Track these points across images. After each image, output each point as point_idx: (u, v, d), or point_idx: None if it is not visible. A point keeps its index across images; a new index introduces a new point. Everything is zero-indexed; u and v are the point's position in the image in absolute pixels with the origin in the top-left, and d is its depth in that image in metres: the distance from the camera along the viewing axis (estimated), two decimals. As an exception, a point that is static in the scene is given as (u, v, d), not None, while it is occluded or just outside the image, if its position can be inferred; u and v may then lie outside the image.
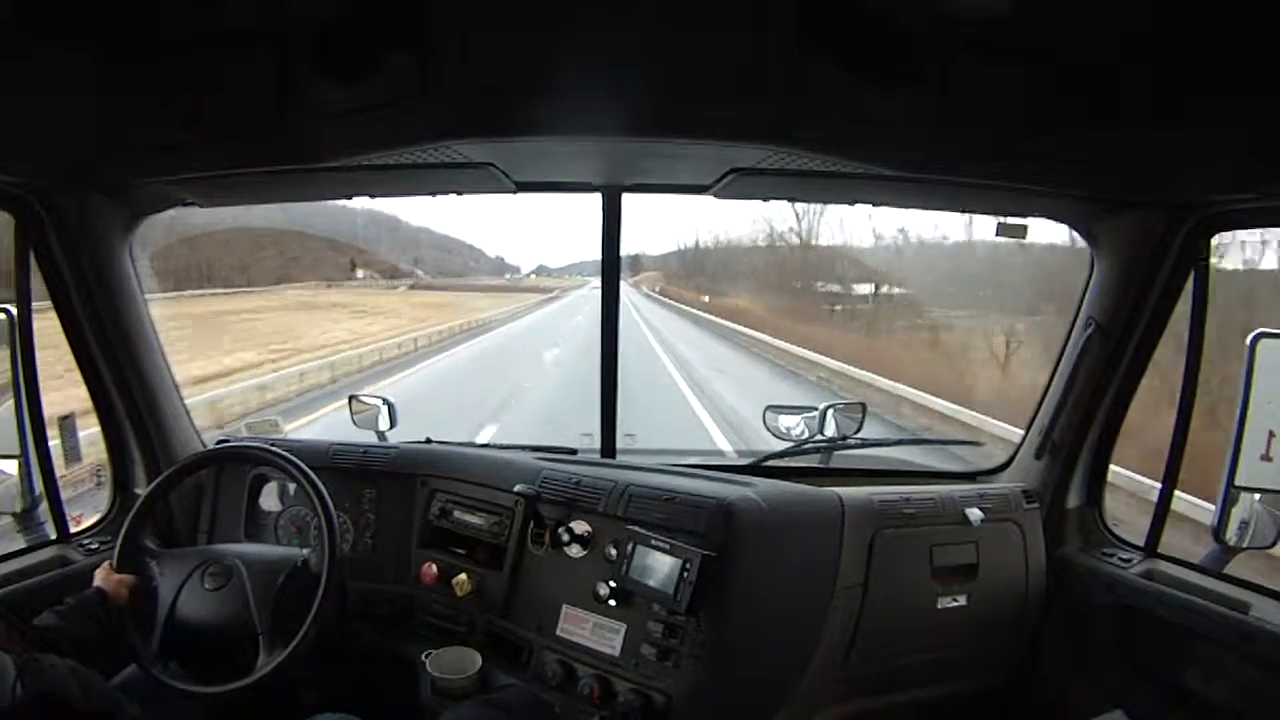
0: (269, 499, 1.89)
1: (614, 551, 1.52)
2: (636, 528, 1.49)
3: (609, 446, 1.97)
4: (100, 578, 1.46)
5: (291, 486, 1.85)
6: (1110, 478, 1.86)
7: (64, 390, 1.84)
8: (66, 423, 1.85)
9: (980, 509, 1.73)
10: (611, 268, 1.93)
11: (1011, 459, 1.95)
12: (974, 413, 6.77)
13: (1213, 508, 1.60)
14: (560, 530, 1.59)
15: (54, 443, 1.71)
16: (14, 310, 1.59)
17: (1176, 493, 1.65)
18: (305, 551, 1.56)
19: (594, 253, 1.94)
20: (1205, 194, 1.44)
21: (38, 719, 1.08)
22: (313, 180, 1.61)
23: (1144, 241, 1.58)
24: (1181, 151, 1.32)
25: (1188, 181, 1.38)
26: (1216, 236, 1.53)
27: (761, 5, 1.19)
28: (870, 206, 1.81)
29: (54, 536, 1.73)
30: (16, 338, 1.60)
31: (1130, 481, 3.22)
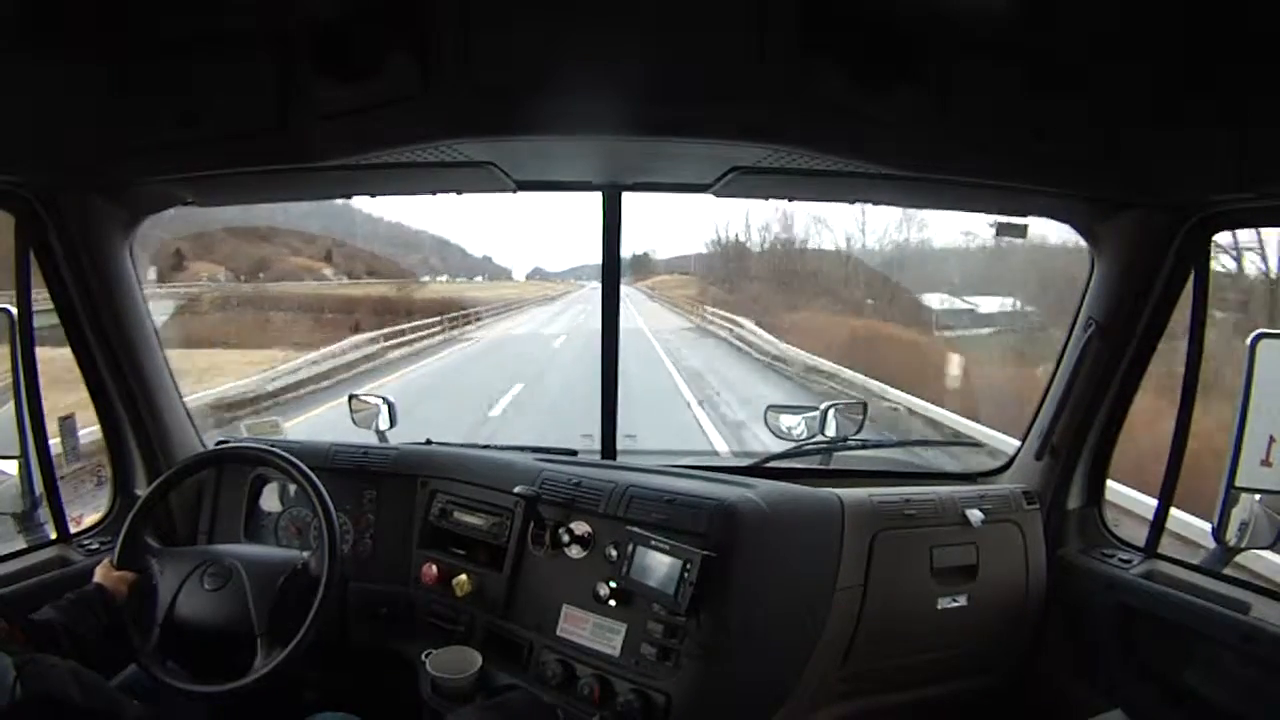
0: (269, 500, 1.89)
1: (614, 552, 1.52)
2: (637, 528, 1.49)
3: (609, 448, 1.97)
4: (100, 574, 1.47)
5: (292, 487, 1.85)
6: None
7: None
8: (66, 423, 1.85)
9: (980, 510, 1.73)
10: (612, 268, 1.93)
11: (1012, 460, 1.95)
12: None
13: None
14: (560, 531, 1.59)
15: (54, 440, 1.71)
16: (14, 310, 1.60)
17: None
18: (305, 555, 1.56)
19: (595, 256, 1.92)
20: (1205, 194, 1.44)
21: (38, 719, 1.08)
22: (313, 180, 1.62)
23: (1144, 241, 1.57)
24: (1181, 151, 1.33)
25: (1188, 181, 1.38)
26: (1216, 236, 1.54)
27: (761, 5, 1.19)
28: (870, 206, 1.81)
29: (54, 537, 1.73)
30: (17, 338, 1.60)
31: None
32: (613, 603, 1.51)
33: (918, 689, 1.75)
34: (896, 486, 1.79)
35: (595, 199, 1.87)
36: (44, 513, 1.73)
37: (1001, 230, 1.74)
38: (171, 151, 1.36)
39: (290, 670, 1.43)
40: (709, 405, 9.11)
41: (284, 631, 1.44)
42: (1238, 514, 1.58)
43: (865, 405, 2.11)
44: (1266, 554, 2.75)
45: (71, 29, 1.24)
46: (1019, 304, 11.85)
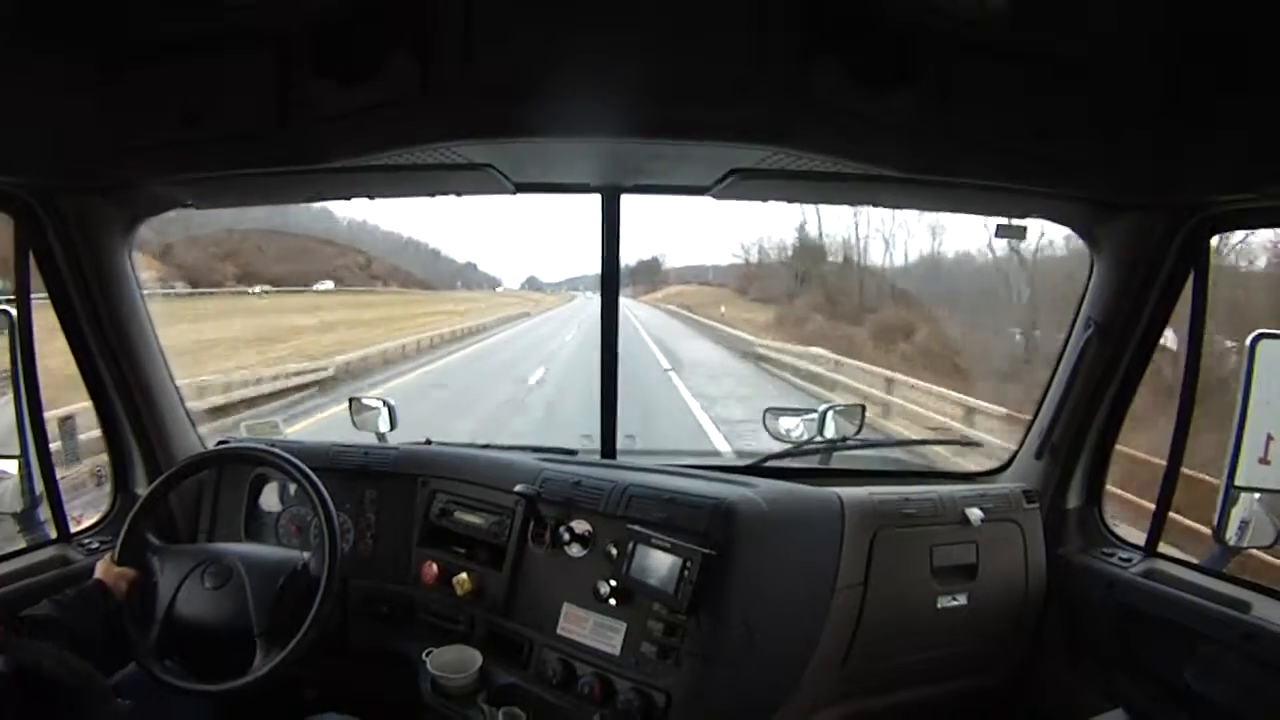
0: (269, 499, 1.89)
1: (614, 550, 1.52)
2: (637, 527, 1.49)
3: (609, 447, 1.97)
4: (101, 570, 1.47)
5: (292, 487, 1.85)
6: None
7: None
8: (66, 424, 1.85)
9: (980, 509, 1.73)
10: (611, 271, 1.93)
11: (1011, 459, 1.95)
12: None
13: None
14: (561, 529, 1.59)
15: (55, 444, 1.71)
16: (14, 310, 1.60)
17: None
18: (306, 555, 1.56)
19: (592, 267, 1.86)
20: (1205, 194, 1.44)
21: (17, 695, 1.07)
22: (313, 181, 1.61)
23: (1144, 242, 1.57)
24: (1181, 151, 1.33)
25: (1188, 181, 1.38)
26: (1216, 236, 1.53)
27: (762, 5, 1.19)
28: (870, 207, 1.81)
29: (54, 536, 1.73)
30: (16, 337, 1.60)
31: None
32: (613, 601, 1.51)
33: (918, 688, 1.75)
34: (896, 485, 1.79)
35: (595, 213, 1.87)
36: (44, 512, 1.73)
37: (1001, 231, 1.74)
38: (171, 152, 1.36)
39: (290, 670, 1.43)
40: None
41: (284, 631, 1.44)
42: (1237, 513, 1.58)
43: (863, 407, 2.11)
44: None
45: (71, 29, 1.24)
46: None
